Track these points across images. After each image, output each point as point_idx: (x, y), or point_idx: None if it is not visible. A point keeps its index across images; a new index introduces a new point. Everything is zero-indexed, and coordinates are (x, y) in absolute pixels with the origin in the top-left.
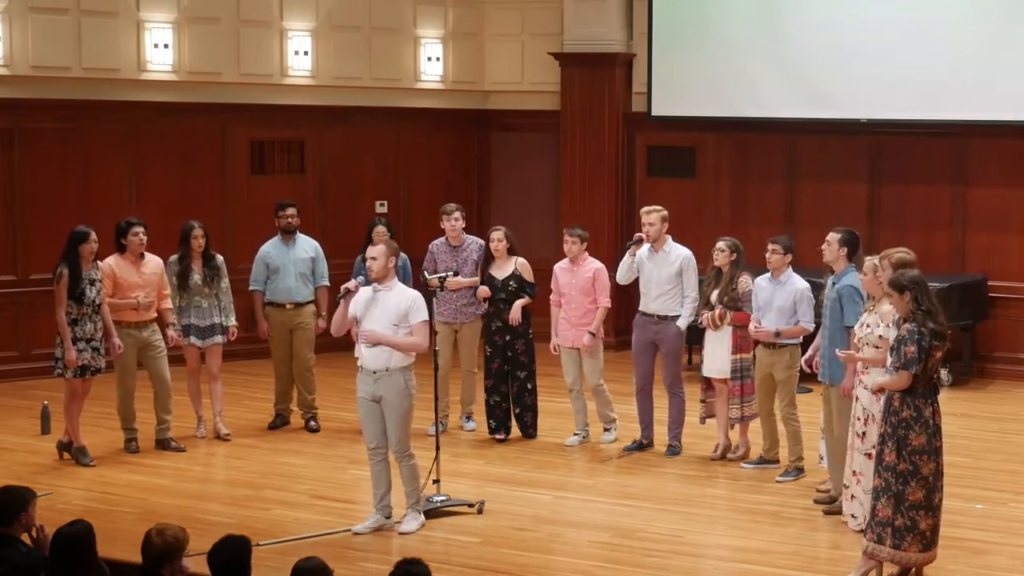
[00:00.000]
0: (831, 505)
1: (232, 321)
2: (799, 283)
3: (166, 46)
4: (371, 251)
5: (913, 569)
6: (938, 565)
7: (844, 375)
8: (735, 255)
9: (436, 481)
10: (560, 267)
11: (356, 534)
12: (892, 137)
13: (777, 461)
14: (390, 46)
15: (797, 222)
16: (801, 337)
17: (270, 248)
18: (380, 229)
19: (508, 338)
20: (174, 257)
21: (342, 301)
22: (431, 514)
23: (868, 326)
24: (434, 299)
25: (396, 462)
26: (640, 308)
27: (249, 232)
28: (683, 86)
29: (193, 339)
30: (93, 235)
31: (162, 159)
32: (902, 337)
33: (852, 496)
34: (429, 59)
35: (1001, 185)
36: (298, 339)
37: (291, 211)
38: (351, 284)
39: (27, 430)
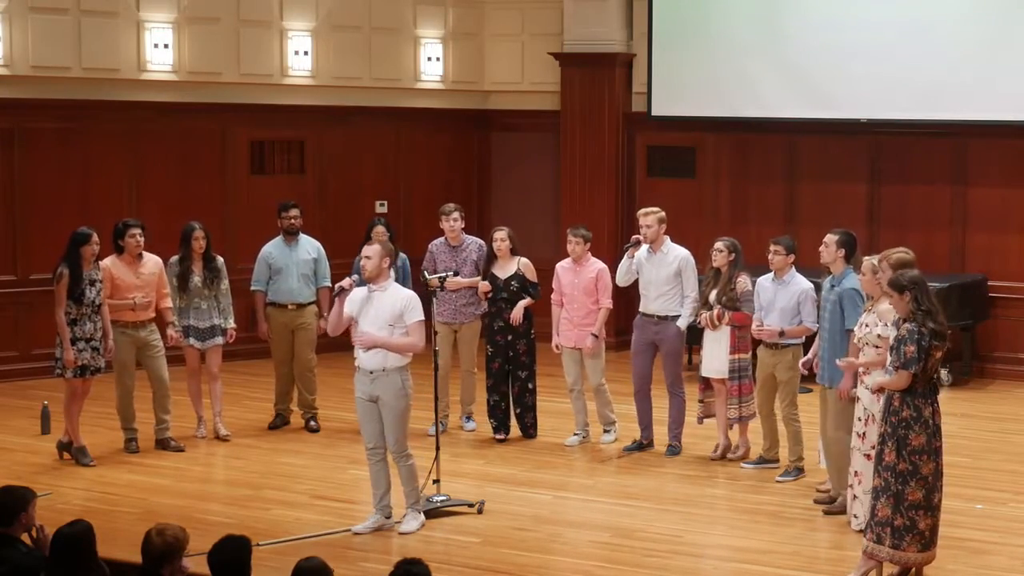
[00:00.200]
0: (831, 505)
1: (231, 323)
2: (803, 283)
3: (166, 46)
4: (366, 250)
5: (913, 569)
6: (938, 565)
7: (843, 378)
8: (733, 255)
9: (436, 481)
10: (562, 267)
11: (356, 534)
12: (892, 137)
13: (777, 461)
14: (390, 46)
15: (797, 222)
16: (803, 337)
17: (272, 249)
18: (380, 229)
19: (510, 338)
20: (175, 258)
21: (337, 299)
22: (431, 514)
23: (867, 326)
24: (434, 299)
25: (394, 462)
26: (640, 309)
27: (249, 232)
28: (683, 86)
29: (192, 341)
30: (95, 237)
31: (162, 159)
32: (902, 337)
33: (855, 496)
34: (429, 59)
35: (1001, 185)
36: (300, 339)
37: (294, 212)
38: (345, 282)
39: (27, 430)
